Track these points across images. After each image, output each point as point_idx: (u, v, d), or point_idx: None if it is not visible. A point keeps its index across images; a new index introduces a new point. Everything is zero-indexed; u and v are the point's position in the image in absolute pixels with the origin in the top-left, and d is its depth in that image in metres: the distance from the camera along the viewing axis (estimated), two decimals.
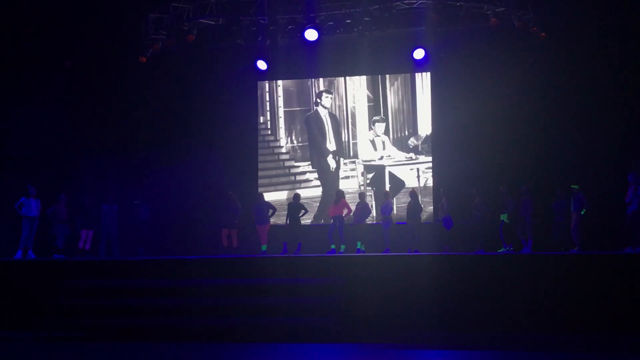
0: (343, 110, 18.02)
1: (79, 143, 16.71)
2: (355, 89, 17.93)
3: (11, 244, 15.11)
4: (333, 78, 18.00)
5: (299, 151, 18.18)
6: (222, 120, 18.23)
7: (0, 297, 11.50)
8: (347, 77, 17.94)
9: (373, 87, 17.87)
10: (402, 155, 17.58)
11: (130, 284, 11.09)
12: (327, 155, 17.94)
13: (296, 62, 17.63)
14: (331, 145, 17.96)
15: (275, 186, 18.13)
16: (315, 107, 18.09)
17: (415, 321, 10.34)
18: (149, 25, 17.03)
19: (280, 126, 18.32)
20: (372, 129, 17.74)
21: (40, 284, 11.30)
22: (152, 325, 10.60)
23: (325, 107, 18.02)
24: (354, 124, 17.92)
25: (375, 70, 17.67)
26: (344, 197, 16.33)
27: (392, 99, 17.78)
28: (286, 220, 16.45)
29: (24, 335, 10.71)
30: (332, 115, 18.03)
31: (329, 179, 17.88)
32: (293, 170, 18.19)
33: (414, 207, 15.76)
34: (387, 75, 17.76)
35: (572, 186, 14.53)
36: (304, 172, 18.10)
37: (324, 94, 18.06)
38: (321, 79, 18.10)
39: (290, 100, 18.33)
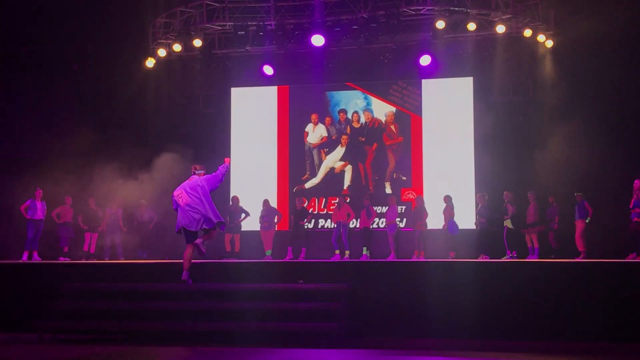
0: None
1: (85, 146, 16.75)
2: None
3: (17, 246, 15.16)
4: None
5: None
6: (227, 124, 18.34)
7: (5, 299, 11.52)
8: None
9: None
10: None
11: (134, 288, 11.10)
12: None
13: (303, 68, 17.67)
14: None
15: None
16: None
17: (421, 327, 10.32)
18: (156, 29, 17.11)
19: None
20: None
21: (45, 287, 11.33)
22: (155, 329, 10.60)
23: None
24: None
25: (381, 77, 17.69)
26: (347, 202, 16.35)
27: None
28: (290, 225, 16.50)
29: (28, 337, 10.72)
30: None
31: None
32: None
33: (419, 212, 15.76)
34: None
35: (576, 194, 14.55)
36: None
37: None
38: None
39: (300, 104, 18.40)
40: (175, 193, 10.61)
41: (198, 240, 10.36)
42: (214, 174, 10.65)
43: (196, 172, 10.74)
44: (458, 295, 10.34)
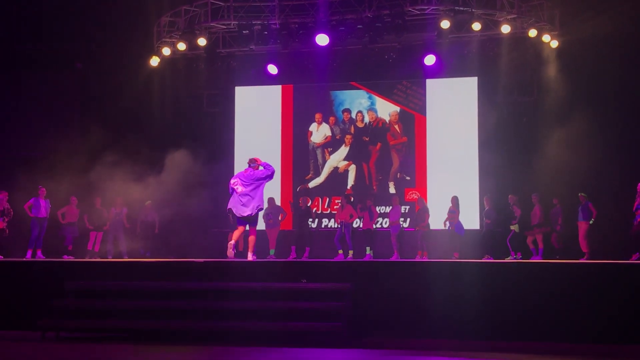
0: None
1: (89, 144, 16.79)
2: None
3: (21, 245, 15.18)
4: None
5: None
6: (231, 123, 18.36)
7: (9, 297, 11.53)
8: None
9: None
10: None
11: (138, 286, 11.10)
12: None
13: (307, 67, 17.67)
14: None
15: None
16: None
17: (424, 327, 10.31)
18: (161, 28, 17.13)
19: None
20: None
21: (48, 285, 11.33)
22: (159, 328, 10.61)
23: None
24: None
25: (385, 76, 17.68)
26: (350, 202, 16.34)
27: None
28: (294, 224, 16.49)
29: (31, 335, 10.73)
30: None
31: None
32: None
33: (421, 213, 15.75)
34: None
35: (580, 194, 14.53)
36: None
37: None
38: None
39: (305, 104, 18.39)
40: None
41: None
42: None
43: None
44: (461, 296, 10.31)
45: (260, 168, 11.82)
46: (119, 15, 17.17)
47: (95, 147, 16.84)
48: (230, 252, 11.61)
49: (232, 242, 11.63)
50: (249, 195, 11.60)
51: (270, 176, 11.85)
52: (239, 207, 11.62)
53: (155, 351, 9.69)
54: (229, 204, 11.81)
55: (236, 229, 11.90)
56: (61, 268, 12.12)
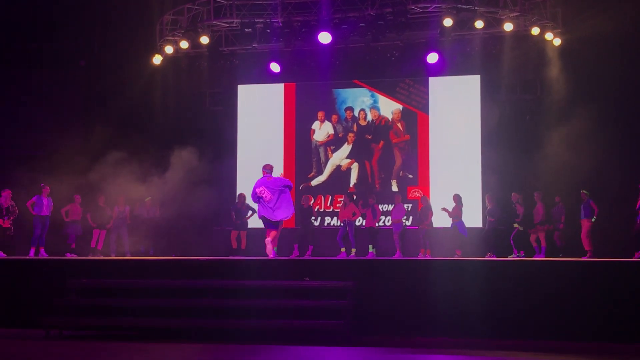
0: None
1: (92, 143, 16.80)
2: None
3: (23, 243, 15.21)
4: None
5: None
6: (233, 121, 18.36)
7: (12, 295, 11.55)
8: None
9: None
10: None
11: (141, 284, 11.12)
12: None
13: (309, 65, 17.68)
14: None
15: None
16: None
17: (426, 325, 10.32)
18: (164, 26, 17.14)
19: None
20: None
21: (51, 283, 11.35)
22: (162, 326, 10.63)
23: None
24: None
25: (388, 74, 17.68)
26: (353, 200, 16.35)
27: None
28: (297, 223, 16.49)
29: (34, 333, 10.75)
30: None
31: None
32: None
33: (425, 211, 15.75)
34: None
35: (582, 191, 14.52)
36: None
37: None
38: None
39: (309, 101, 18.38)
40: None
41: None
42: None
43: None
44: (464, 294, 10.31)
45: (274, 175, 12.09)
46: (122, 13, 17.19)
47: (97, 145, 16.86)
48: (270, 248, 11.98)
49: (269, 241, 12.01)
50: (277, 201, 11.90)
51: (290, 186, 12.22)
52: (271, 213, 11.94)
53: (158, 349, 9.70)
54: (259, 212, 12.13)
55: (269, 230, 12.15)
56: (64, 266, 12.15)
